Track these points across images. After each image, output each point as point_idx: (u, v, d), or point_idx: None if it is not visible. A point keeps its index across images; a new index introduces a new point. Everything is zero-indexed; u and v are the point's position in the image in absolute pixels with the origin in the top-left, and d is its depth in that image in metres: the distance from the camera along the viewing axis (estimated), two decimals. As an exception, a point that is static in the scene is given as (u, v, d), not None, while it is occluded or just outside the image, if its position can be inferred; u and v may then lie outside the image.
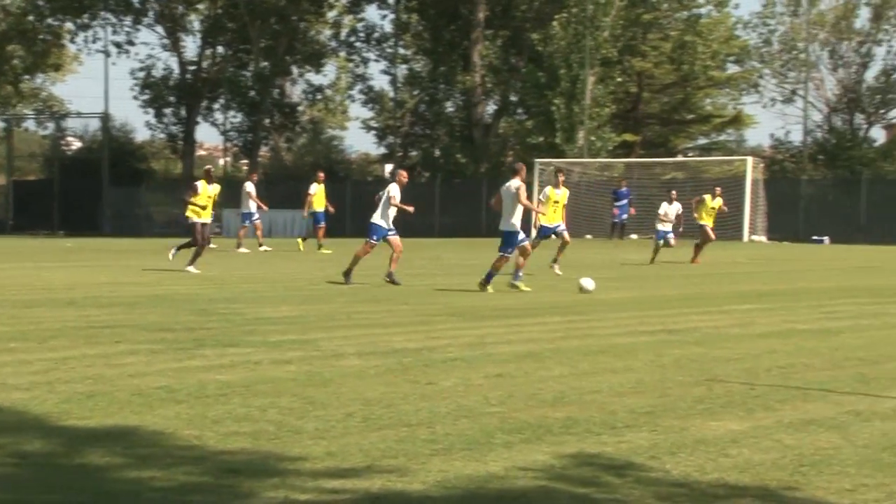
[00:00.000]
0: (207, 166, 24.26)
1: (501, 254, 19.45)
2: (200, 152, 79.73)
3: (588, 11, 53.41)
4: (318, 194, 33.46)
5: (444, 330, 13.46)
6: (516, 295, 18.77)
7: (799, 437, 7.49)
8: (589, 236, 48.10)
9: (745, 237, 46.21)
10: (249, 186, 34.43)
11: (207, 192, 23.45)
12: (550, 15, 55.12)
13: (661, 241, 29.03)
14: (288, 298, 17.68)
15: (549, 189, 24.79)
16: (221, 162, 68.37)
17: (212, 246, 33.25)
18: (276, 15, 63.33)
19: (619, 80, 57.38)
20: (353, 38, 66.84)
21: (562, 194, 24.53)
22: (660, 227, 29.27)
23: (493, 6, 60.84)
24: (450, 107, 64.09)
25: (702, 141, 66.69)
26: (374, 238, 20.71)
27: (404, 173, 21.57)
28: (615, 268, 27.42)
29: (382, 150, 69.03)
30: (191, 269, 22.74)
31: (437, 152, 64.52)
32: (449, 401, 8.74)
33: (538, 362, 10.81)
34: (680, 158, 59.97)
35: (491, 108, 63.20)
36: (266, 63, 64.69)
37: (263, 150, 68.93)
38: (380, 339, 12.41)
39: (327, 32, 67.63)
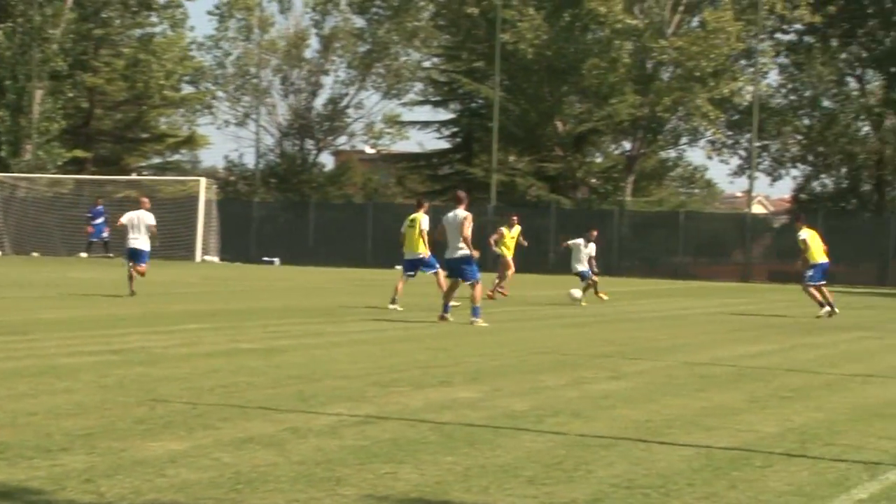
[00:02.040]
0: None
1: (471, 282, 18.77)
2: None
3: (35, 22, 51.69)
4: None
5: None
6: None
7: (238, 455, 7.54)
8: (36, 254, 46.49)
9: (198, 257, 46.52)
10: None
11: None
12: (-5, 23, 52.81)
13: (590, 278, 26.74)
14: None
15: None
16: None
17: None
18: None
19: (70, 94, 56.03)
20: None
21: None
22: (579, 266, 26.81)
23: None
24: None
25: (156, 160, 66.50)
26: (146, 261, 23.48)
27: (146, 200, 24.44)
28: (62, 285, 26.58)
29: None
30: None
31: None
32: None
33: (-30, 386, 10.22)
34: (133, 177, 59.43)
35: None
36: None
37: None
38: None
39: None
